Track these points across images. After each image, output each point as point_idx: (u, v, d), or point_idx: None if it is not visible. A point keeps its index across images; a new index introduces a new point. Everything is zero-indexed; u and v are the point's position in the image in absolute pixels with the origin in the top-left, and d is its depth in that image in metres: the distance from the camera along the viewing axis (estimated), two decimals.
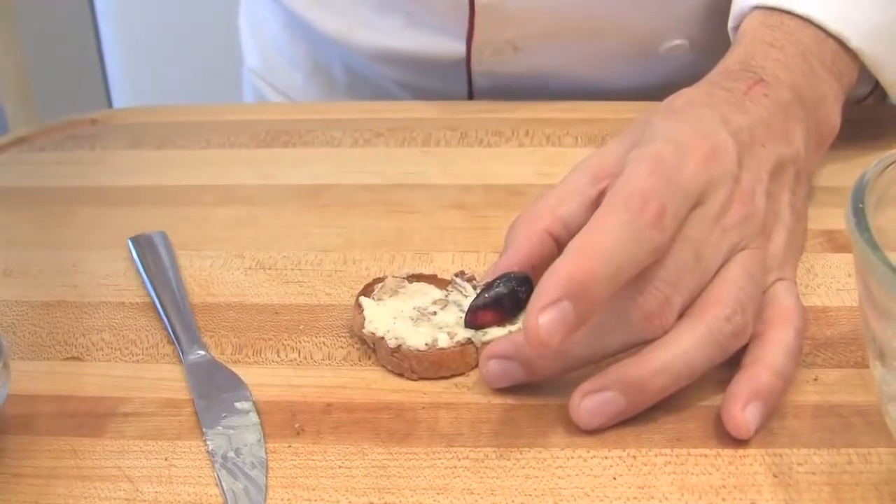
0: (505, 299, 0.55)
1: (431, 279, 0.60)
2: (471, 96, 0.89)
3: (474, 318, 0.55)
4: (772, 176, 0.57)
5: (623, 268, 0.49)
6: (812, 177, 0.64)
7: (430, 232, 0.67)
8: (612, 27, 0.83)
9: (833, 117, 0.65)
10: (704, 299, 0.52)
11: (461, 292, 0.58)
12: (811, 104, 0.62)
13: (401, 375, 0.55)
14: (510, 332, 0.55)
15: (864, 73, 0.68)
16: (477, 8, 0.81)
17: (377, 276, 0.61)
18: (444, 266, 0.62)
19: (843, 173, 0.67)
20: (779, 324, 0.53)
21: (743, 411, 0.50)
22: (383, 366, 0.56)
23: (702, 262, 0.52)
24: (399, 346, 0.55)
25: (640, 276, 0.51)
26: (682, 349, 0.50)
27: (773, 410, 0.51)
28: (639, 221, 0.49)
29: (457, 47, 0.85)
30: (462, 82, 0.88)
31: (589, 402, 0.50)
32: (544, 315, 0.47)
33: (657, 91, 0.87)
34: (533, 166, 0.75)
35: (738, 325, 0.51)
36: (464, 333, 0.55)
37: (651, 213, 0.50)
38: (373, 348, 0.56)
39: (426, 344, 0.54)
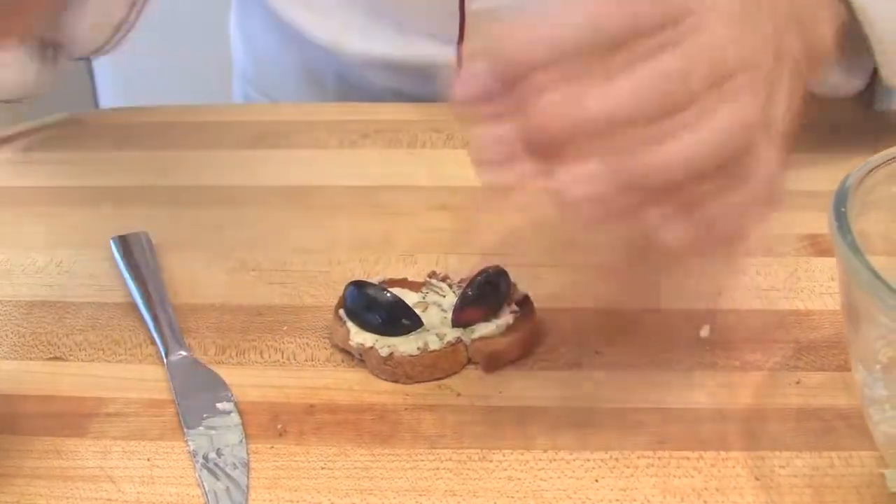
0: (488, 295, 0.56)
1: (403, 283, 0.60)
2: None
3: (461, 317, 0.56)
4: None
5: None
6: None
7: (415, 234, 0.67)
8: None
9: (827, 40, 0.60)
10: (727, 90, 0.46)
11: (438, 292, 0.58)
12: (809, 22, 0.57)
13: (395, 381, 0.55)
14: (496, 325, 0.56)
15: (861, 61, 0.67)
16: (468, 15, 0.81)
17: (362, 278, 0.61)
18: (428, 268, 0.62)
19: (826, 177, 0.67)
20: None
21: None
22: (375, 374, 0.56)
23: (715, 68, 0.46)
24: (391, 354, 0.54)
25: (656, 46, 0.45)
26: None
27: None
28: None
29: (447, 54, 0.85)
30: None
31: (572, 171, 0.45)
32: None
33: None
34: None
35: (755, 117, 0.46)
36: (452, 333, 0.56)
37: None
38: (360, 359, 0.56)
39: (418, 348, 0.54)
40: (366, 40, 0.88)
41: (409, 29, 0.86)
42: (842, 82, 0.68)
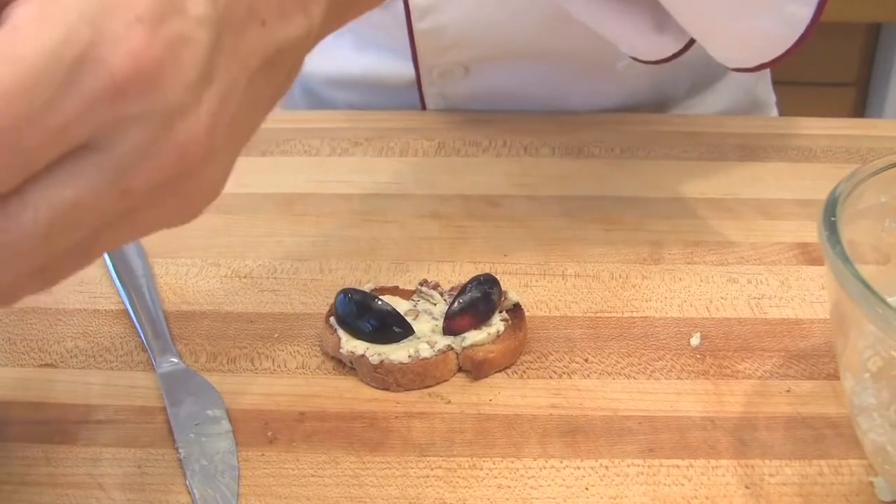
0: (478, 303, 0.56)
1: (394, 291, 0.60)
2: None
3: (451, 325, 0.56)
4: None
5: None
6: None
7: (406, 241, 0.67)
8: (561, 48, 0.82)
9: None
10: None
11: (429, 300, 0.58)
12: None
13: (386, 389, 0.55)
14: (487, 333, 0.56)
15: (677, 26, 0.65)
16: (416, 32, 0.81)
17: (353, 285, 0.61)
18: (419, 276, 0.62)
19: (817, 186, 0.67)
20: None
21: None
22: (366, 382, 0.56)
23: None
24: (382, 362, 0.55)
25: None
26: None
27: None
28: None
29: (406, 69, 0.85)
30: (416, 104, 0.88)
31: None
32: None
33: (622, 108, 0.87)
34: (510, 177, 0.75)
35: None
36: (443, 341, 0.56)
37: None
38: (351, 367, 0.56)
39: (409, 356, 0.54)
40: (327, 57, 0.88)
41: (367, 43, 0.86)
42: (648, 44, 0.68)
